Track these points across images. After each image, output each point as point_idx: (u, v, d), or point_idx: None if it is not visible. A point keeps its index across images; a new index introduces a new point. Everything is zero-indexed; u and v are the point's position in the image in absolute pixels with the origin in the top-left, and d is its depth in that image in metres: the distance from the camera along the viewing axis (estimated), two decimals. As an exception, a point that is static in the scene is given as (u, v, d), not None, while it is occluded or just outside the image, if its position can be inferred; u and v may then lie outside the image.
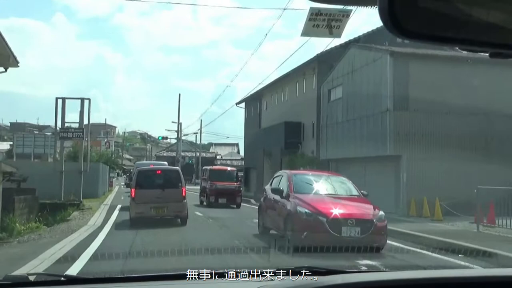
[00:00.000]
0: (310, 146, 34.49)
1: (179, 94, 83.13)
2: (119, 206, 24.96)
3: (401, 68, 22.69)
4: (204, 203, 27.86)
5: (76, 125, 24.88)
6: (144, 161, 41.94)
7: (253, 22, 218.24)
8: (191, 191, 32.16)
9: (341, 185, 13.55)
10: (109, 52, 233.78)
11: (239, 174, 29.52)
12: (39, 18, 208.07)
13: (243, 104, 53.67)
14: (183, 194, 17.11)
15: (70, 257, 9.57)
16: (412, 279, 2.10)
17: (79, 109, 24.25)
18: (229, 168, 31.33)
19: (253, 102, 49.68)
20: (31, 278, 2.75)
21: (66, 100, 24.06)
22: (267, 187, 14.90)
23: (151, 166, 21.69)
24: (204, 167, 32.82)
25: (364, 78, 25.39)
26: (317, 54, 32.35)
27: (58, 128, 23.64)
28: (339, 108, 28.43)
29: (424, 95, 22.02)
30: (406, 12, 1.15)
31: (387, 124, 23.00)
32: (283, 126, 36.82)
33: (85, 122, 24.91)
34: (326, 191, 13.10)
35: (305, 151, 34.76)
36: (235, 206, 26.96)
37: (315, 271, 2.74)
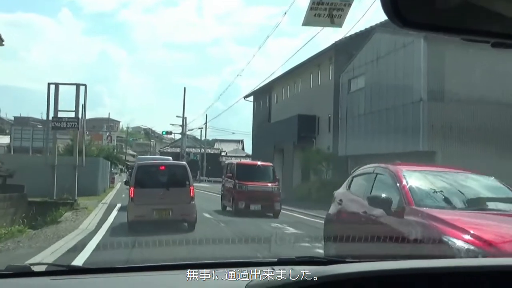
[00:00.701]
0: (326, 141, 31.98)
1: (184, 88, 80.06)
2: (118, 205, 22.56)
3: (437, 54, 20.13)
4: (229, 209, 21.51)
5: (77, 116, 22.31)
6: (147, 156, 38.25)
7: (257, 20, 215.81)
8: (197, 189, 29.64)
9: (494, 192, 7.45)
10: (114, 48, 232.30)
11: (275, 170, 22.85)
12: (45, 13, 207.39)
13: (251, 98, 51.21)
14: (191, 194, 14.62)
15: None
16: (414, 268, 2.04)
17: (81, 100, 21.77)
18: (262, 163, 23.69)
19: (262, 96, 47.19)
20: (34, 268, 2.71)
21: (67, 93, 21.68)
22: (342, 192, 8.97)
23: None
24: (228, 161, 26.18)
25: (392, 66, 22.83)
26: (335, 42, 29.81)
27: (50, 118, 21.14)
28: (361, 99, 25.89)
29: (463, 83, 19.48)
30: (408, 3, 1.15)
31: (420, 116, 20.46)
32: (296, 120, 34.30)
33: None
34: (478, 204, 7.00)
35: (320, 147, 32.24)
36: (272, 214, 20.13)
37: (316, 261, 2.79)
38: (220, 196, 24.09)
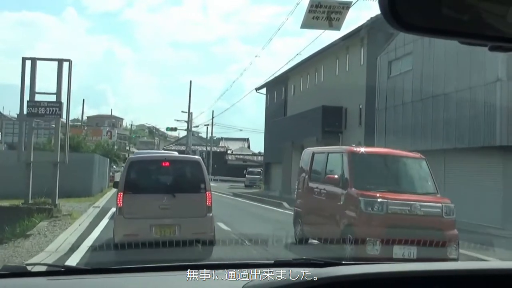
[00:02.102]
0: (355, 136, 27.50)
1: (190, 81, 75.63)
2: (112, 210, 18.15)
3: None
4: (314, 242, 11.33)
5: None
6: (147, 150, 31.75)
7: (261, 19, 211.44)
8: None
9: None
10: (118, 47, 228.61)
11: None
12: (50, 12, 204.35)
13: (264, 90, 46.79)
14: (208, 203, 10.11)
15: None
16: (410, 271, 2.07)
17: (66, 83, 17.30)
18: (404, 153, 11.68)
19: (276, 87, 42.81)
20: (30, 268, 2.64)
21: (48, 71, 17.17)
22: None
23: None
24: (315, 150, 13.26)
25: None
26: (370, 18, 25.30)
27: (25, 102, 16.70)
28: (407, 84, 21.42)
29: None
30: (406, 5, 1.15)
31: (496, 100, 16.02)
32: (320, 112, 29.84)
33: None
34: None
35: (347, 143, 27.74)
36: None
37: (313, 263, 2.76)
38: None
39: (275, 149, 40.08)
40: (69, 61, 16.88)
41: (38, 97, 16.90)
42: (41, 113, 16.71)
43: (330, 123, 29.24)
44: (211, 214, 10.12)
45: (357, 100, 27.72)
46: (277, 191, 37.40)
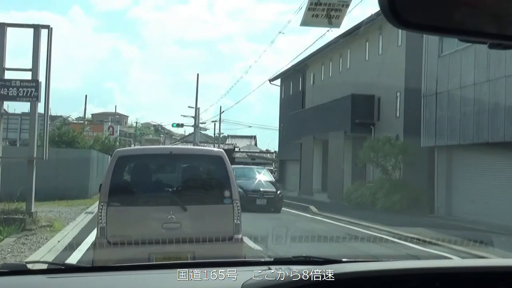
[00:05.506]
0: (392, 128, 23.71)
1: (197, 74, 71.46)
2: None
3: None
4: None
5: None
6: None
7: (267, 17, 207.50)
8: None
9: None
10: (125, 45, 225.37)
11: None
12: (57, 11, 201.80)
13: (278, 82, 43.04)
14: (236, 219, 6.51)
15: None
16: (410, 268, 2.05)
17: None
18: None
19: (293, 77, 39.11)
20: (30, 266, 2.62)
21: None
22: None
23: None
24: None
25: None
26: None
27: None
28: (466, 63, 17.57)
29: None
30: (405, 3, 1.13)
31: None
32: (349, 102, 26.00)
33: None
34: None
35: (380, 136, 23.94)
36: None
37: (313, 261, 2.75)
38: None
39: (291, 145, 36.37)
40: (49, 27, 13.10)
41: (8, 75, 13.16)
42: (12, 94, 12.95)
43: (362, 114, 25.44)
44: (240, 236, 6.47)
45: (393, 87, 23.89)
46: (294, 192, 33.75)
